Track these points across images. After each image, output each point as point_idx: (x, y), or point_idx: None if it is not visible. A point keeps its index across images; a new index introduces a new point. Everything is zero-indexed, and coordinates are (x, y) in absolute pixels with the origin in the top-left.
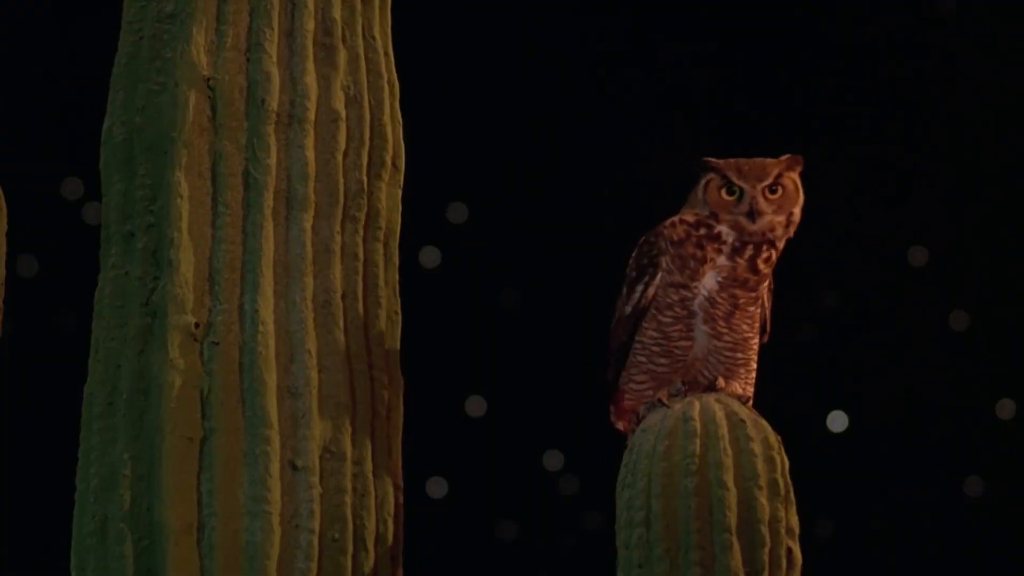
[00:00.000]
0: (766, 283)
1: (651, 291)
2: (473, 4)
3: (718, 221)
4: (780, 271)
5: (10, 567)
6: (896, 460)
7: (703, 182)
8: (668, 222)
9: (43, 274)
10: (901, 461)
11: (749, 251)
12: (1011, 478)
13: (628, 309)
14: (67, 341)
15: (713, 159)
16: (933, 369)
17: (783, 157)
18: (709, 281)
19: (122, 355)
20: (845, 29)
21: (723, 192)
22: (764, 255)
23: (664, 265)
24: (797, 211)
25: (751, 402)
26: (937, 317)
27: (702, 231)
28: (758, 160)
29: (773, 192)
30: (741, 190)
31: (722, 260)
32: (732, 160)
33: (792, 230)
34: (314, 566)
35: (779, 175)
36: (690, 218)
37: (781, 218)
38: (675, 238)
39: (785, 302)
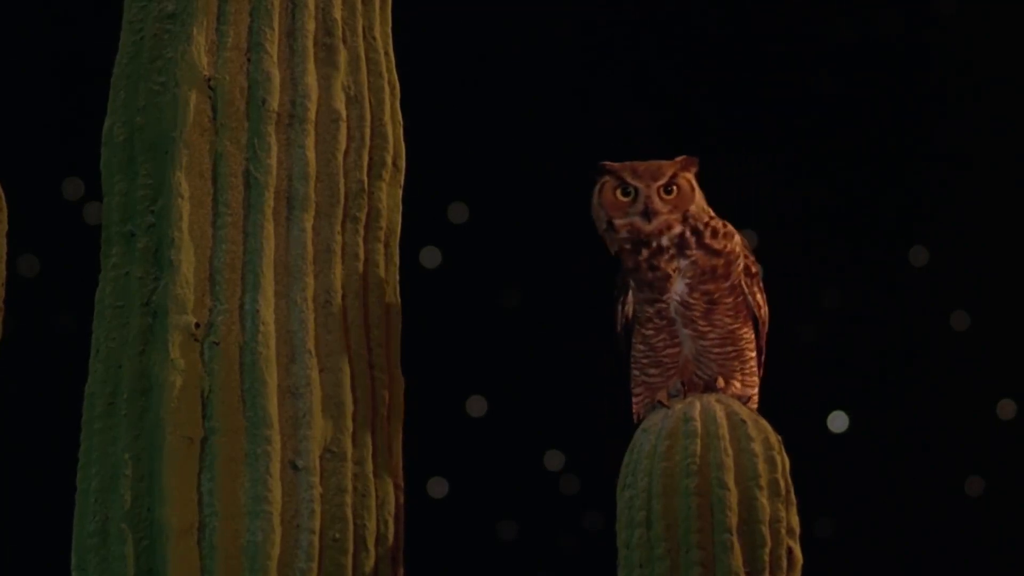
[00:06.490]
0: (738, 266)
1: (628, 308)
2: (473, 4)
3: (615, 227)
4: (780, 271)
5: (10, 567)
6: (896, 460)
7: (598, 186)
8: (617, 251)
9: (44, 274)
10: (901, 461)
11: (692, 240)
12: (1011, 478)
13: (618, 328)
14: (67, 341)
15: (609, 163)
16: (933, 369)
17: (678, 158)
18: (679, 287)
19: (123, 355)
20: (845, 29)
21: (618, 193)
22: (708, 232)
23: (632, 285)
24: (693, 209)
25: (756, 390)
26: (937, 317)
27: (644, 253)
28: (653, 161)
29: (668, 192)
30: (636, 190)
31: (682, 263)
32: (627, 162)
33: (693, 225)
34: (315, 566)
35: (674, 175)
36: (627, 244)
37: (677, 216)
38: (629, 266)
39: (785, 302)
